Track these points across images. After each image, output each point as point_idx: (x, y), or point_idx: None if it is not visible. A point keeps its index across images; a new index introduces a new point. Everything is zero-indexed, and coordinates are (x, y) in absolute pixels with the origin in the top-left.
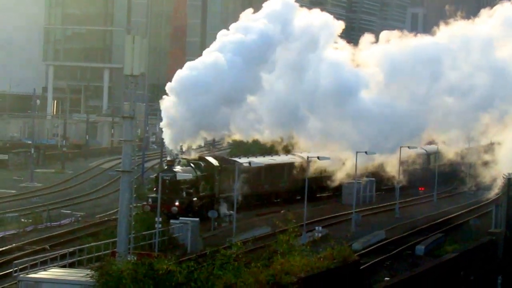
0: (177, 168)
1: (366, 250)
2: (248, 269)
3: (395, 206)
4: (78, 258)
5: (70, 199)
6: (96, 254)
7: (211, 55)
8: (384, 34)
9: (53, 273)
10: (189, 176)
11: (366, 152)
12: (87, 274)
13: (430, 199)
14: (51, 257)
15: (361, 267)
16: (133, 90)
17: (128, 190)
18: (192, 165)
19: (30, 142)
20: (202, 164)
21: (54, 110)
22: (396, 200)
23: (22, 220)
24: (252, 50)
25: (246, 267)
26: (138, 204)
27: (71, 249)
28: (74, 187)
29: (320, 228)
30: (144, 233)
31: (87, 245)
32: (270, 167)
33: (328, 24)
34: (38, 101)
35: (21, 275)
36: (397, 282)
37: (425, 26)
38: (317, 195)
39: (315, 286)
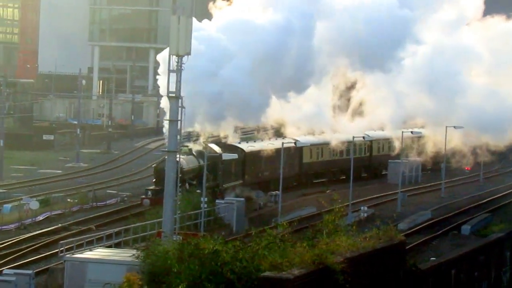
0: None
1: (411, 230)
2: (294, 249)
3: (441, 186)
4: (124, 238)
5: (115, 179)
6: (142, 234)
7: None
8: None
9: (99, 253)
10: (192, 165)
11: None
12: (133, 255)
13: (476, 179)
14: (97, 237)
15: (407, 247)
16: (178, 70)
17: (174, 170)
18: (194, 153)
19: (76, 122)
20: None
21: (100, 91)
22: (442, 179)
23: (68, 200)
24: None
25: (291, 247)
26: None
27: (116, 229)
28: (119, 167)
29: (366, 208)
30: (189, 213)
31: (133, 225)
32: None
33: None
34: (83, 82)
35: (67, 255)
36: (443, 262)
37: None
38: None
39: (361, 266)
